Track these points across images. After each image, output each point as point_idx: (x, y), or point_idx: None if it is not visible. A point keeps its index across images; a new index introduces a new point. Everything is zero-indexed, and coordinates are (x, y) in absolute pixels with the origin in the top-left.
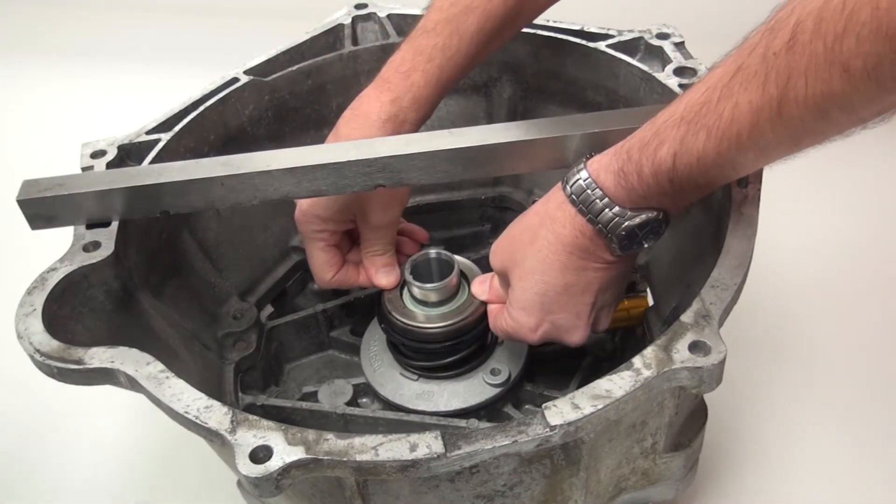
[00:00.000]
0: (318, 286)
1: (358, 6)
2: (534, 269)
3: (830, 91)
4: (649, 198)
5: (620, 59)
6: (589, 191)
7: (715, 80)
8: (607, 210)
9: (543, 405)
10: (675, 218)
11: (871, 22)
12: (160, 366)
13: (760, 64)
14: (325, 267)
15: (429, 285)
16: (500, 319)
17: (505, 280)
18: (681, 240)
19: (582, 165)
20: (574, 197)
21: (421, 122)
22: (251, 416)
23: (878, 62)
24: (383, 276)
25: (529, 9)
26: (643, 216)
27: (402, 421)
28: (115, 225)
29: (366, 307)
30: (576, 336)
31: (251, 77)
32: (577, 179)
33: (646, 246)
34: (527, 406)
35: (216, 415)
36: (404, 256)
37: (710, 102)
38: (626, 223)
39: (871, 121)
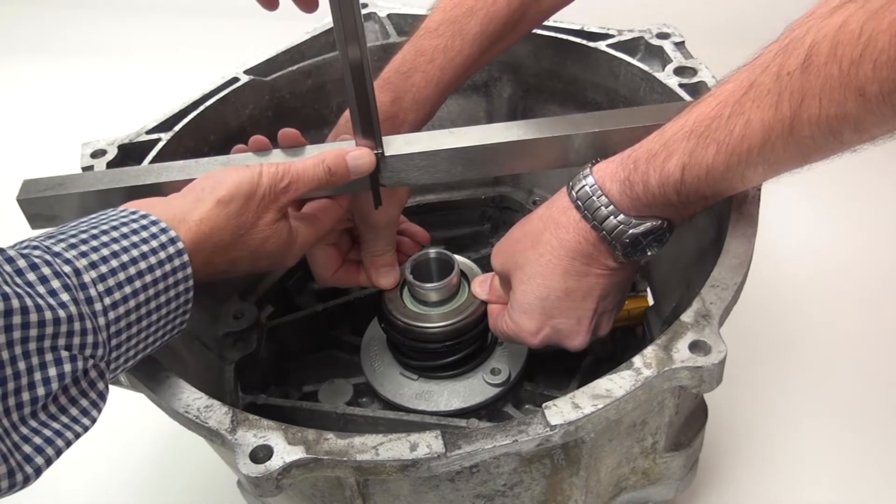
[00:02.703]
0: (319, 285)
1: None
2: (535, 273)
3: (844, 113)
4: (654, 207)
5: (620, 59)
6: (594, 197)
7: (726, 95)
8: (612, 217)
9: (544, 405)
10: (678, 226)
11: (889, 49)
12: (160, 365)
13: (774, 83)
14: (323, 265)
15: (429, 285)
16: (501, 322)
17: (506, 282)
18: (681, 240)
19: (587, 171)
20: (579, 203)
21: (421, 122)
22: (251, 416)
23: (894, 88)
24: (383, 277)
25: (533, 13)
26: (648, 224)
27: (402, 421)
28: None
29: (366, 307)
30: (577, 341)
31: (251, 77)
32: (583, 185)
33: (649, 253)
34: (527, 406)
35: (216, 414)
36: (404, 256)
37: (720, 117)
38: (631, 231)
39: (881, 138)
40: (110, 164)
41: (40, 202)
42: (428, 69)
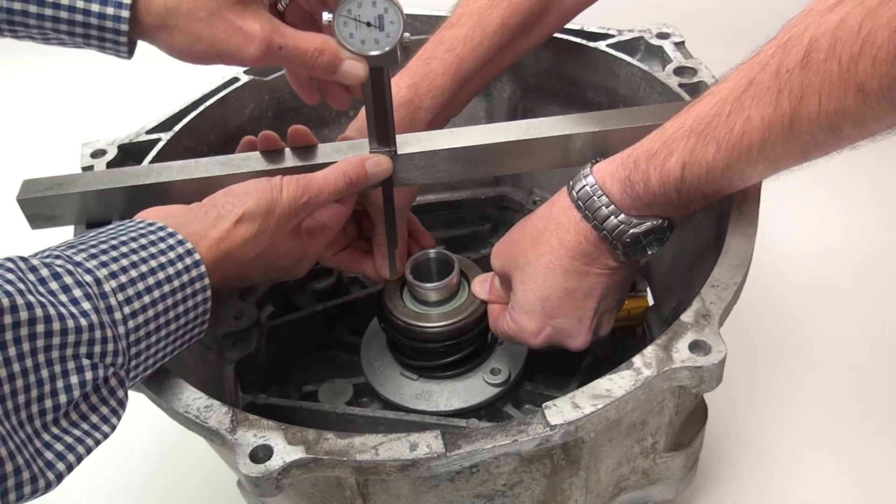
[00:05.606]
0: (320, 263)
1: None
2: (536, 273)
3: (844, 109)
4: (655, 206)
5: (620, 59)
6: (595, 197)
7: (725, 93)
8: (613, 217)
9: (544, 405)
10: (678, 225)
11: (888, 45)
12: (160, 365)
13: (773, 80)
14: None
15: (429, 285)
16: (502, 322)
17: (506, 282)
18: (681, 239)
19: (588, 171)
20: (580, 202)
21: (438, 110)
22: (251, 416)
23: (893, 84)
24: (388, 266)
25: (556, 10)
26: (648, 224)
27: (402, 420)
28: None
29: (366, 307)
30: (578, 341)
31: (251, 77)
32: (584, 185)
33: (649, 252)
34: (527, 406)
35: (216, 414)
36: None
37: (720, 115)
38: (632, 230)
39: (880, 134)
40: (110, 164)
41: (40, 202)
42: (446, 57)
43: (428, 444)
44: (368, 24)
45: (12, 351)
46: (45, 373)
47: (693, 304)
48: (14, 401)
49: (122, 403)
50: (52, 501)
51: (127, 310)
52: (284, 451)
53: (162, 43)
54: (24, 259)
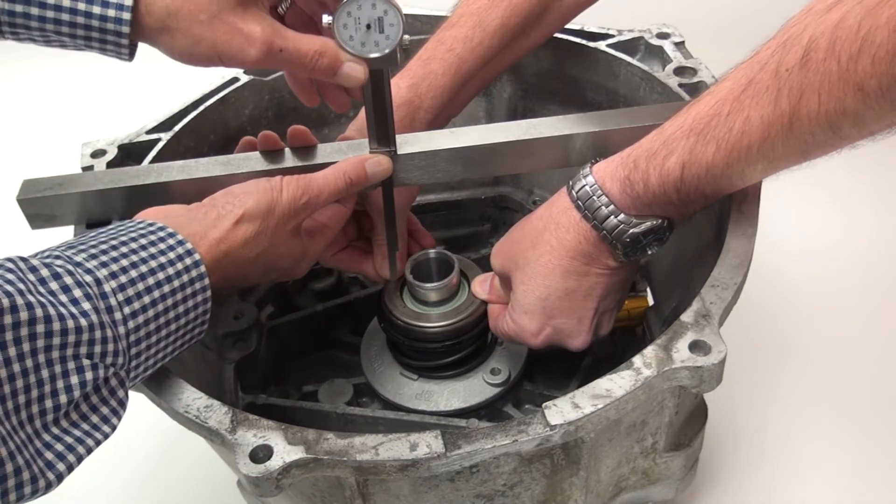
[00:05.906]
0: (319, 263)
1: None
2: (536, 273)
3: (843, 108)
4: (655, 206)
5: (620, 59)
6: (594, 197)
7: (725, 92)
8: (612, 217)
9: (544, 404)
10: (678, 225)
11: (887, 44)
12: (160, 365)
13: (773, 79)
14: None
15: (429, 285)
16: (502, 322)
17: (506, 282)
18: (681, 239)
19: (587, 171)
20: (579, 202)
21: (438, 111)
22: (251, 416)
23: (893, 83)
24: (388, 267)
25: (556, 11)
26: (648, 223)
27: (402, 420)
28: None
29: (366, 307)
30: (578, 341)
31: (251, 77)
32: (583, 185)
33: (649, 252)
34: (527, 406)
35: (216, 414)
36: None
37: (720, 115)
38: (631, 230)
39: (880, 133)
40: (110, 164)
41: (40, 202)
42: (446, 57)
43: (428, 444)
44: (368, 27)
45: (12, 351)
46: (45, 373)
47: (693, 304)
48: (14, 401)
49: (123, 404)
50: (52, 501)
51: (127, 310)
52: (284, 451)
53: (163, 45)
54: (24, 259)
